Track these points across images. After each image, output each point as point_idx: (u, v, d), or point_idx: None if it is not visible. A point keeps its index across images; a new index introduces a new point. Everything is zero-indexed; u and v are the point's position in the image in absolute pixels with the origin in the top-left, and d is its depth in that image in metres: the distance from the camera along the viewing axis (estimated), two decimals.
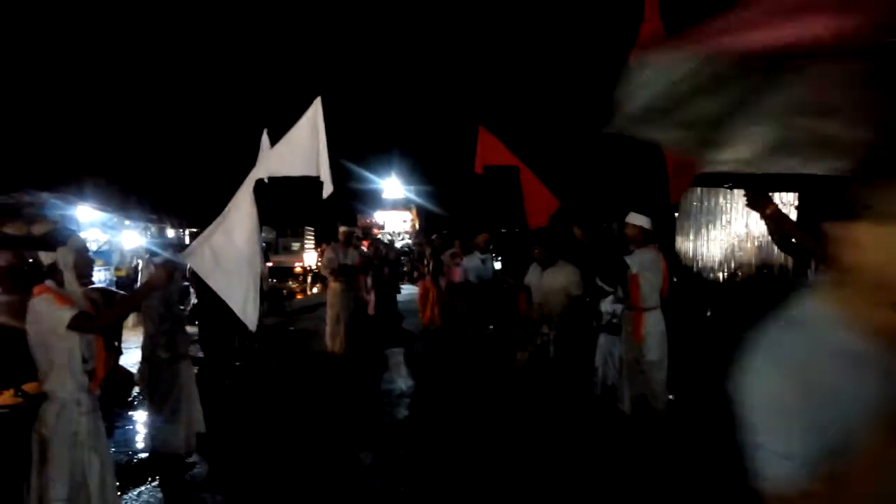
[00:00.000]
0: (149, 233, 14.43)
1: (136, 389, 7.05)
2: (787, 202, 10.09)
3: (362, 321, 10.25)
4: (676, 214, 13.32)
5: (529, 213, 6.36)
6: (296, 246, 26.29)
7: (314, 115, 3.69)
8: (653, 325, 5.32)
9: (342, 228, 9.92)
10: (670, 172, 4.47)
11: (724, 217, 13.14)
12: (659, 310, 5.38)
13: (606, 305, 6.36)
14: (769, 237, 11.18)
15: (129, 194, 13.12)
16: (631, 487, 4.53)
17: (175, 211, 15.79)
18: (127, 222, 13.12)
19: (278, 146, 3.81)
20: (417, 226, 26.38)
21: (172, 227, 16.11)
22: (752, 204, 3.52)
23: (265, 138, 4.49)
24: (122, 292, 8.98)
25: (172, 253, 5.41)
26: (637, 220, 5.40)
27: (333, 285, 9.62)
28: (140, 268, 11.53)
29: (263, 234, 23.83)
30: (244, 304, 3.75)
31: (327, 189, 3.66)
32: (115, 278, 11.54)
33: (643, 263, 5.23)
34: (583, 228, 5.57)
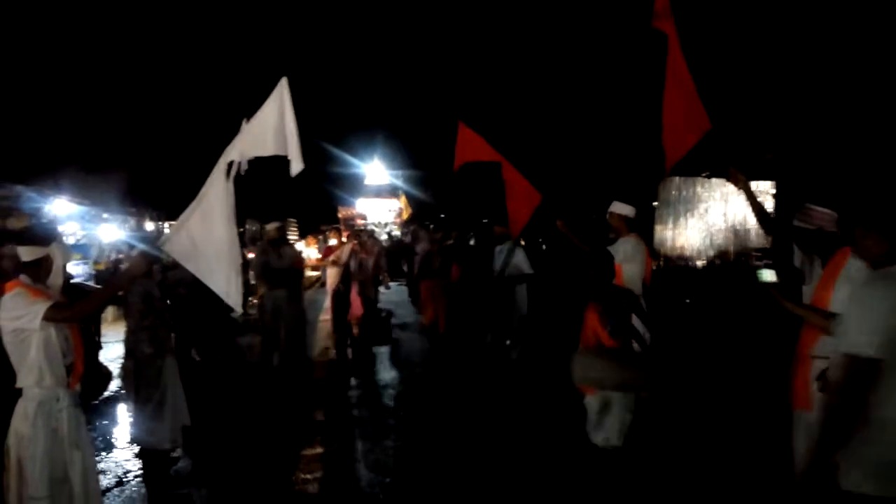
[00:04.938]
0: (127, 226, 14.26)
1: (117, 385, 6.97)
2: (763, 190, 10.20)
3: (301, 337, 8.33)
4: (656, 203, 13.42)
5: (511, 207, 6.35)
6: None
7: (280, 96, 3.69)
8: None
9: (270, 225, 8.08)
10: (666, 136, 4.49)
11: (702, 206, 13.28)
12: (641, 298, 5.40)
13: None
14: (746, 224, 11.28)
15: (106, 186, 12.92)
16: (620, 478, 4.57)
17: (154, 203, 15.60)
18: (105, 215, 12.95)
19: (247, 128, 3.79)
20: (406, 215, 24.09)
21: (151, 219, 15.94)
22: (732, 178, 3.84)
23: (245, 125, 4.45)
24: (99, 287, 8.89)
25: (151, 245, 5.35)
26: (621, 208, 5.39)
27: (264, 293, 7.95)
28: (120, 261, 11.37)
29: (247, 226, 23.49)
30: (227, 286, 3.74)
31: (296, 167, 3.64)
32: (93, 272, 11.39)
33: (626, 253, 5.24)
34: (565, 220, 5.57)
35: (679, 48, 4.42)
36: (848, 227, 3.35)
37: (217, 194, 3.76)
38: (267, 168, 4.07)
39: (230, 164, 3.79)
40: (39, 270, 3.46)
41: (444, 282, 9.57)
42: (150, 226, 15.95)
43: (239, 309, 3.83)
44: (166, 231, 15.43)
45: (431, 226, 15.15)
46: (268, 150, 3.70)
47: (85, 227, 12.27)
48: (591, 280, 4.66)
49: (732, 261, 12.25)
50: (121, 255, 11.67)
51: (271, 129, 3.68)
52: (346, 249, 9.53)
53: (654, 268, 6.51)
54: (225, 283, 3.73)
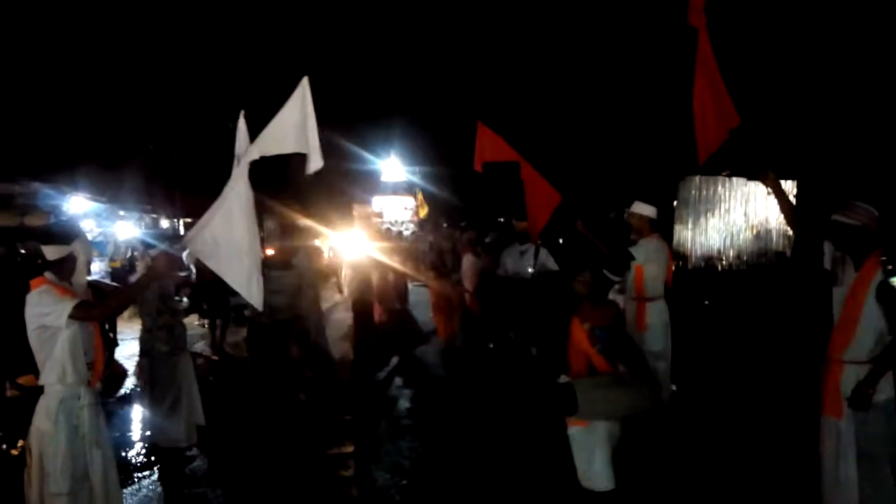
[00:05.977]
0: (143, 223, 14.34)
1: (133, 383, 6.98)
2: (785, 190, 10.07)
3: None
4: (675, 203, 13.31)
5: (530, 207, 6.27)
6: None
7: (302, 95, 3.72)
8: (656, 314, 5.29)
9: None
10: (697, 129, 4.42)
11: (722, 206, 13.15)
12: (662, 300, 5.33)
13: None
14: (768, 224, 11.18)
15: (123, 184, 12.99)
16: (636, 479, 4.50)
17: (170, 200, 15.67)
18: (121, 212, 13.02)
19: (269, 127, 3.82)
20: (423, 213, 23.10)
21: (166, 216, 16.01)
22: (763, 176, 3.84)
23: (242, 121, 4.41)
24: (115, 284, 8.92)
25: (169, 244, 5.36)
26: (643, 209, 5.32)
27: None
28: (136, 259, 11.42)
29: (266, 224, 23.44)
30: (248, 285, 3.78)
31: (315, 164, 3.67)
32: (109, 269, 11.45)
33: (648, 254, 5.18)
34: (584, 220, 5.51)
35: (709, 43, 4.35)
36: (886, 226, 3.27)
37: (238, 195, 3.79)
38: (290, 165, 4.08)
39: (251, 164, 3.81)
40: (64, 268, 3.46)
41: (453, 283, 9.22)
42: (164, 223, 16.02)
43: (260, 307, 3.83)
44: (181, 229, 15.52)
45: (446, 224, 14.99)
46: (288, 147, 3.73)
47: (101, 225, 12.34)
48: (590, 283, 3.80)
49: (755, 262, 12.12)
50: (136, 253, 11.71)
51: (292, 128, 3.71)
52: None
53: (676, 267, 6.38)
54: (246, 282, 3.75)
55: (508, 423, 5.87)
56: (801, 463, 3.88)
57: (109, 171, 12.81)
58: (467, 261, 8.75)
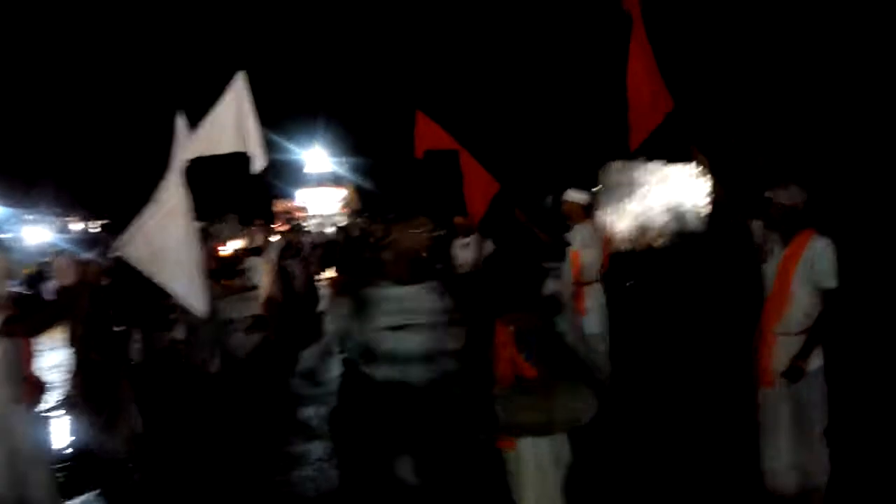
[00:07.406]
0: (53, 227, 13.62)
1: (66, 394, 6.65)
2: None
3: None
4: (596, 188, 13.68)
5: (469, 197, 6.33)
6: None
7: (238, 91, 3.64)
8: (593, 298, 5.49)
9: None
10: (632, 114, 4.54)
11: (640, 189, 13.62)
12: (599, 283, 5.54)
13: (550, 286, 6.34)
14: (683, 206, 11.62)
15: (32, 186, 12.30)
16: (580, 460, 4.64)
17: (82, 202, 14.95)
18: (29, 217, 12.32)
19: (203, 126, 3.71)
20: (354, 207, 22.03)
21: (79, 219, 15.27)
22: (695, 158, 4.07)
23: (180, 120, 4.25)
24: (28, 292, 8.42)
25: (89, 249, 5.14)
26: (576, 196, 5.53)
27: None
28: (49, 265, 10.83)
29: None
30: (189, 290, 3.68)
31: (259, 164, 3.60)
32: (23, 277, 10.80)
33: (584, 240, 5.38)
34: (523, 209, 5.64)
35: (643, 29, 4.45)
36: (813, 207, 3.50)
37: (172, 197, 3.68)
38: (207, 163, 3.97)
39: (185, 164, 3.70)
40: None
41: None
42: (76, 226, 15.28)
43: (203, 314, 3.73)
44: (93, 231, 14.83)
45: (367, 215, 14.74)
46: (227, 147, 3.65)
47: (9, 230, 11.65)
48: (515, 278, 3.30)
49: (672, 242, 12.62)
50: (47, 259, 11.11)
51: (230, 126, 3.61)
52: (275, 247, 8.43)
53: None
54: (188, 287, 3.65)
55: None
56: (740, 433, 4.04)
57: (17, 176, 12.11)
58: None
